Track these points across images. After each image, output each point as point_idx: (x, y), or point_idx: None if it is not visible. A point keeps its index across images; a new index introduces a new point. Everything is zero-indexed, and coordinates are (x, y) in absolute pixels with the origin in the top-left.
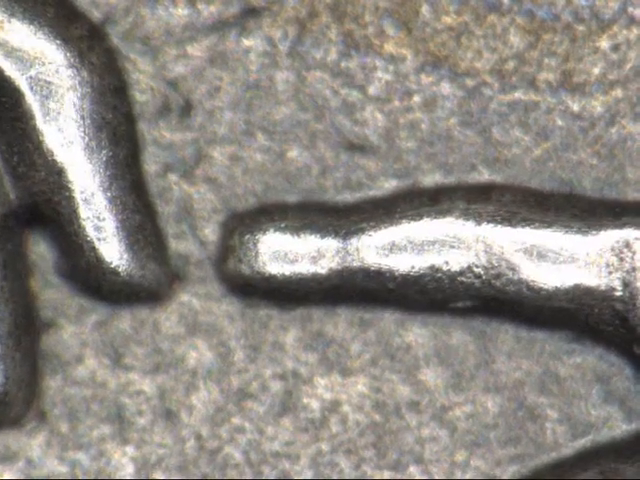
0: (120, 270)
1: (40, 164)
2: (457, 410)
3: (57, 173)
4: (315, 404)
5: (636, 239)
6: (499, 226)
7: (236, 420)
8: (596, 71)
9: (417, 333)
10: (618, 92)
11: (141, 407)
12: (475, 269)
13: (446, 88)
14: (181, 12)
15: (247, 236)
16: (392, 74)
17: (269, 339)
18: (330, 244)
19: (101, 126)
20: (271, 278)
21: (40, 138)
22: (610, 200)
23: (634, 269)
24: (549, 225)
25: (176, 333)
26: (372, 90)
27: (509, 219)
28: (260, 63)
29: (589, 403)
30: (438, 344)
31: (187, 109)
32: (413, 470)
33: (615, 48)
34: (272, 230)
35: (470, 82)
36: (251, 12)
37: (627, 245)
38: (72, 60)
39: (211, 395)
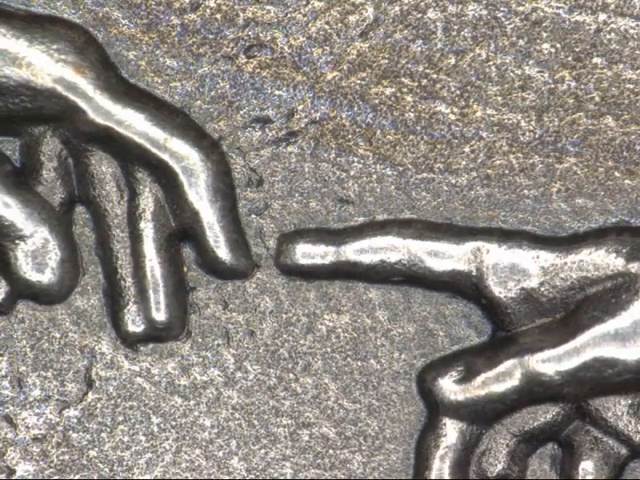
0: (226, 261)
1: (186, 209)
2: None
3: (194, 214)
4: None
5: (483, 246)
6: (414, 239)
7: None
8: None
9: (383, 293)
10: None
11: None
12: (402, 261)
13: None
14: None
15: (289, 245)
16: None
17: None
18: (328, 249)
19: (217, 190)
20: (301, 267)
21: (185, 196)
22: (469, 227)
23: (481, 261)
24: (439, 239)
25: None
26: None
27: (419, 236)
28: None
29: (452, 329)
30: (398, 300)
31: (260, 182)
32: None
33: None
34: (301, 242)
35: None
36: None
37: (479, 249)
38: (203, 157)
39: None
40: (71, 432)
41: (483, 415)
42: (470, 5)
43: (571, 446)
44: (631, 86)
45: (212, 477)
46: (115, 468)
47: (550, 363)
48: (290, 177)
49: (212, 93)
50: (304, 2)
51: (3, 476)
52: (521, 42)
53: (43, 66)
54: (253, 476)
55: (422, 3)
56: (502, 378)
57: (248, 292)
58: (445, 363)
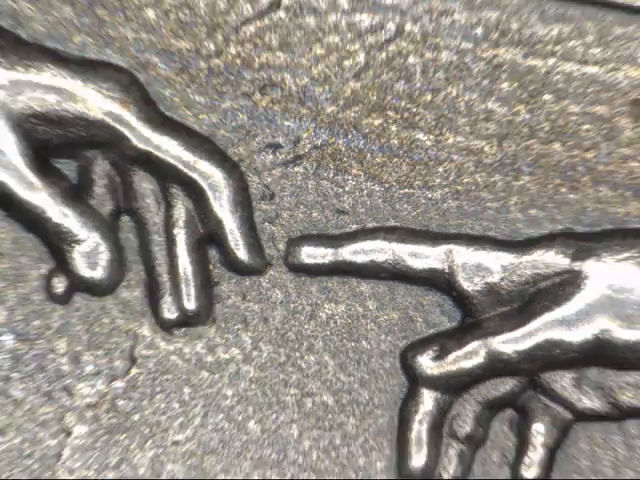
0: (244, 261)
1: (211, 218)
2: None
3: (219, 222)
4: None
5: (454, 248)
6: (398, 243)
7: None
8: None
9: (372, 286)
10: None
11: None
12: (388, 260)
13: None
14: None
15: (295, 247)
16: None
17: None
18: (328, 251)
19: (237, 202)
20: (305, 265)
21: (211, 207)
22: (443, 233)
23: (453, 261)
24: (418, 243)
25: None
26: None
27: (402, 240)
28: None
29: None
30: (384, 292)
31: (272, 196)
32: None
33: None
34: (305, 245)
35: None
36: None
37: (450, 251)
38: (226, 176)
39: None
40: (118, 400)
41: (454, 386)
42: (443, 52)
43: (525, 411)
44: (575, 118)
45: (233, 436)
46: (154, 430)
47: (509, 344)
48: (296, 192)
49: (233, 124)
50: (308, 50)
51: (62, 436)
52: (485, 82)
53: (95, 101)
54: (266, 436)
55: (404, 50)
56: (469, 356)
57: (262, 286)
58: (423, 344)
